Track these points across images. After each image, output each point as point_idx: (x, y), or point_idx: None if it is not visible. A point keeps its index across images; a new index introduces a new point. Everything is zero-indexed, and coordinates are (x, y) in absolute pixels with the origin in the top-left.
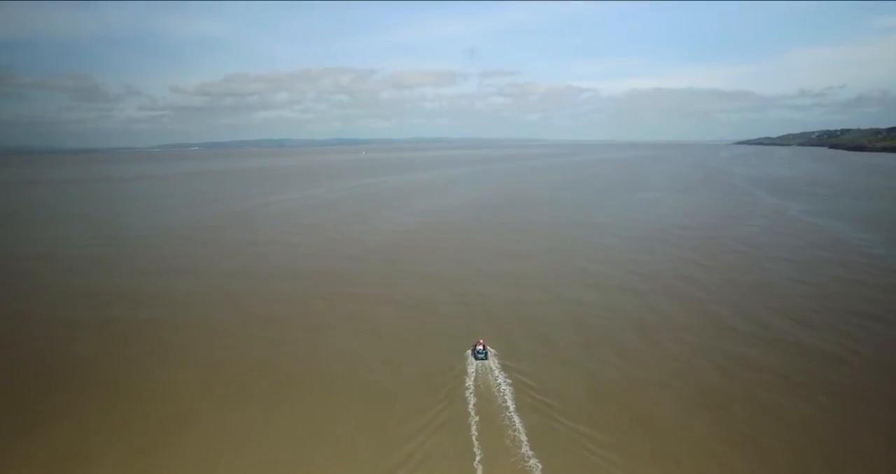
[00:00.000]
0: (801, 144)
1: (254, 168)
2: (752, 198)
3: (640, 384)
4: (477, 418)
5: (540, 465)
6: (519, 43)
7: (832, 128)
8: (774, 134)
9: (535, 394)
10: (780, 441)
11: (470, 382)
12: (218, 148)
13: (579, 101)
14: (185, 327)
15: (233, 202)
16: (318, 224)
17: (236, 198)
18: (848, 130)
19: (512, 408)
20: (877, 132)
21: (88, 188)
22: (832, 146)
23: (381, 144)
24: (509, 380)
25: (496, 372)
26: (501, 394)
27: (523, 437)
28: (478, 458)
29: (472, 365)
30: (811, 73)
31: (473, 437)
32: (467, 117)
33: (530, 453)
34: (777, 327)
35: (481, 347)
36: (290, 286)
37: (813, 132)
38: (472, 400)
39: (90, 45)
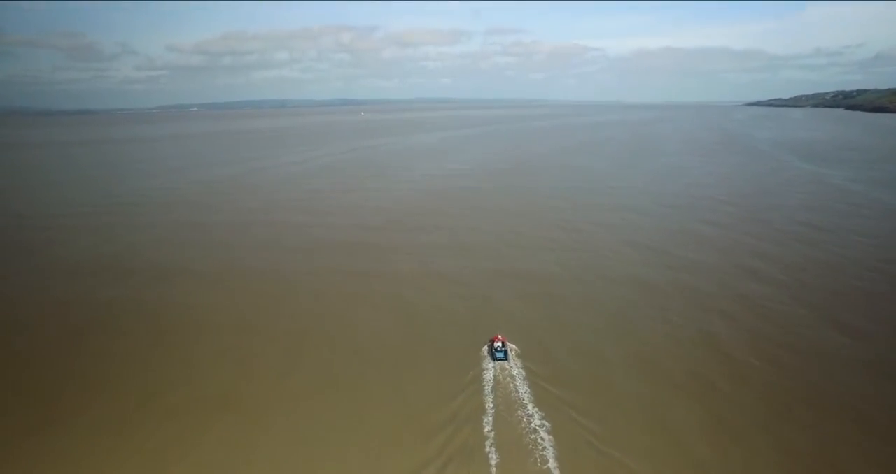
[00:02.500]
0: (815, 106)
1: (252, 129)
2: (784, 165)
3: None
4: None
5: None
6: None
7: (847, 88)
8: (786, 95)
9: (576, 417)
10: None
11: (488, 398)
12: (218, 109)
13: (586, 61)
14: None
15: (226, 167)
16: (315, 191)
17: (231, 162)
18: (864, 91)
19: (550, 455)
20: None
21: (89, 151)
22: (848, 107)
23: (383, 104)
24: (539, 397)
25: (519, 385)
26: (531, 429)
27: None
28: None
29: (490, 368)
30: (828, 31)
31: None
32: (471, 77)
33: None
34: None
35: (500, 344)
36: (281, 259)
37: (827, 93)
38: (490, 442)
39: (82, 2)
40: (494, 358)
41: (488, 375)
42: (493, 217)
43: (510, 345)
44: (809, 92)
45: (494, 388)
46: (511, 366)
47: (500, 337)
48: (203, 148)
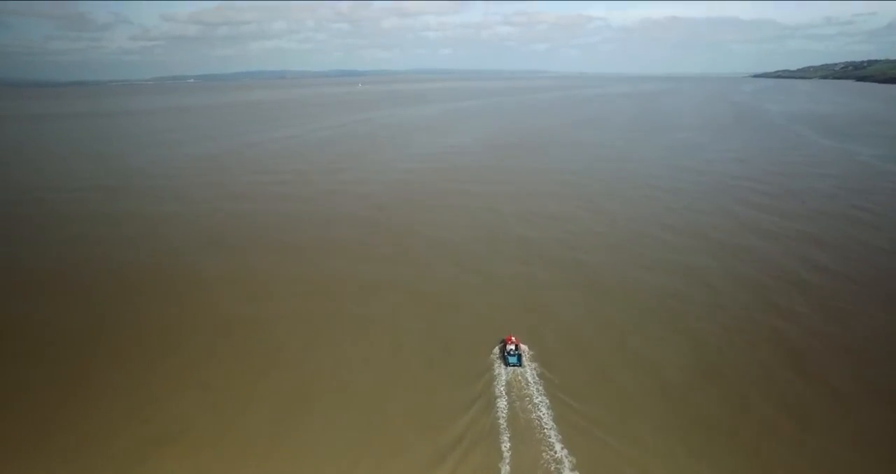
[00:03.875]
0: (823, 77)
1: (249, 102)
2: (804, 140)
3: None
4: None
5: None
6: None
7: (856, 59)
8: (793, 66)
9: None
10: None
11: (500, 418)
12: (215, 80)
13: (588, 31)
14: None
15: (223, 141)
16: (304, 170)
17: (228, 135)
18: (875, 61)
19: None
20: None
21: (86, 124)
22: (859, 79)
23: (383, 76)
24: (560, 416)
25: (537, 400)
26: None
27: None
28: None
29: (502, 376)
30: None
31: None
32: (471, 47)
33: None
34: None
35: (513, 347)
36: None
37: (836, 64)
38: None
39: None
40: (507, 364)
41: (500, 386)
42: (502, 204)
43: (524, 348)
44: (817, 63)
45: (509, 412)
46: (526, 374)
47: (513, 338)
48: (199, 121)
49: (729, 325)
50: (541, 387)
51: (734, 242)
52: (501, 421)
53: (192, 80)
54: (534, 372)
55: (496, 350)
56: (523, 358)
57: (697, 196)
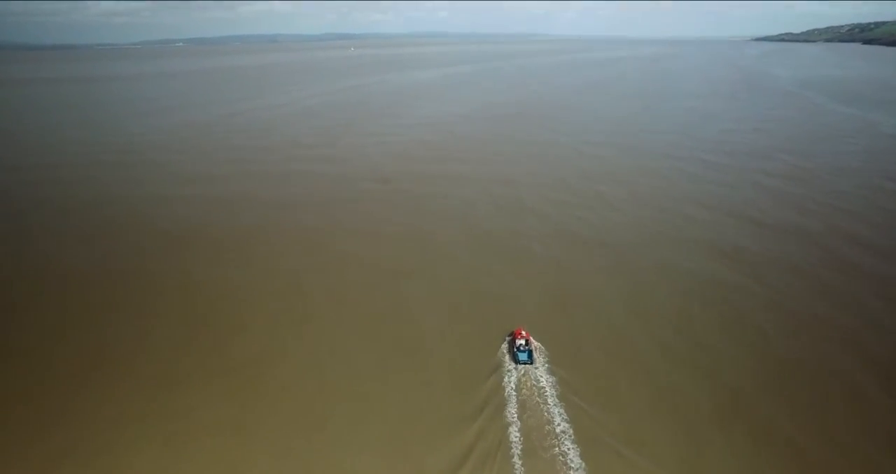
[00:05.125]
0: (828, 40)
1: (238, 67)
2: (821, 108)
3: None
4: None
5: None
6: None
7: (861, 21)
8: (797, 29)
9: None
10: None
11: (511, 429)
12: (204, 44)
13: None
14: None
15: (209, 109)
16: (297, 141)
17: (215, 103)
18: (883, 23)
19: None
20: None
21: (76, 89)
22: (866, 42)
23: (378, 39)
24: (577, 428)
25: (553, 412)
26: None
27: None
28: None
29: (512, 374)
30: None
31: None
32: (469, 9)
33: None
34: None
35: (523, 341)
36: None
37: (841, 26)
38: None
39: None
40: (517, 361)
41: (510, 388)
42: (509, 178)
43: (534, 343)
44: (822, 26)
45: (519, 413)
46: (538, 373)
47: (522, 332)
48: (187, 87)
49: (794, 325)
50: (555, 391)
51: (778, 223)
52: (512, 433)
53: (180, 44)
54: (547, 371)
55: (504, 345)
56: (534, 355)
57: (722, 169)
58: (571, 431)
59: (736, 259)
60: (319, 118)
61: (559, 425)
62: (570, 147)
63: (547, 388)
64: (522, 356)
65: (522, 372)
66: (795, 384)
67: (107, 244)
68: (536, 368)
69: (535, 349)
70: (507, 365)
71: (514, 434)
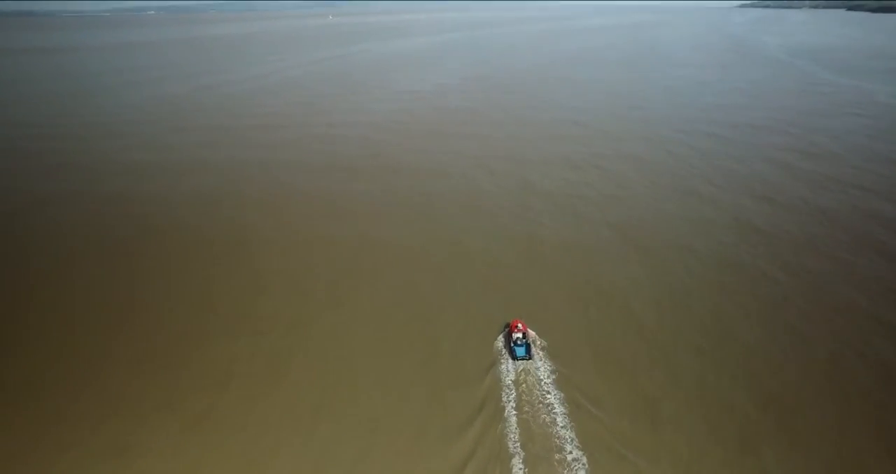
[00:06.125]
0: (814, 7)
1: (214, 37)
2: (815, 78)
3: None
4: None
5: None
6: None
7: None
8: None
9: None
10: None
11: (510, 437)
12: (178, 12)
13: None
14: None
15: (185, 82)
16: (281, 113)
17: (191, 76)
18: None
19: None
20: None
21: (44, 60)
22: (850, 8)
23: (358, 5)
24: (582, 433)
25: (556, 414)
26: None
27: None
28: None
29: (510, 373)
30: None
31: None
32: None
33: None
34: None
35: (520, 335)
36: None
37: None
38: None
39: None
40: (514, 357)
41: (507, 388)
42: (506, 154)
43: (532, 335)
44: None
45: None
46: (538, 370)
47: (520, 325)
48: (159, 59)
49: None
50: (557, 390)
51: (796, 202)
52: (511, 438)
53: (152, 12)
54: (547, 367)
55: (500, 338)
56: (532, 349)
57: (727, 142)
58: (575, 436)
59: (754, 239)
60: (302, 90)
61: (562, 429)
62: (566, 118)
63: (547, 387)
64: (520, 351)
65: (521, 368)
66: (835, 380)
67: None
68: (535, 364)
69: (534, 342)
70: (502, 361)
71: (513, 439)
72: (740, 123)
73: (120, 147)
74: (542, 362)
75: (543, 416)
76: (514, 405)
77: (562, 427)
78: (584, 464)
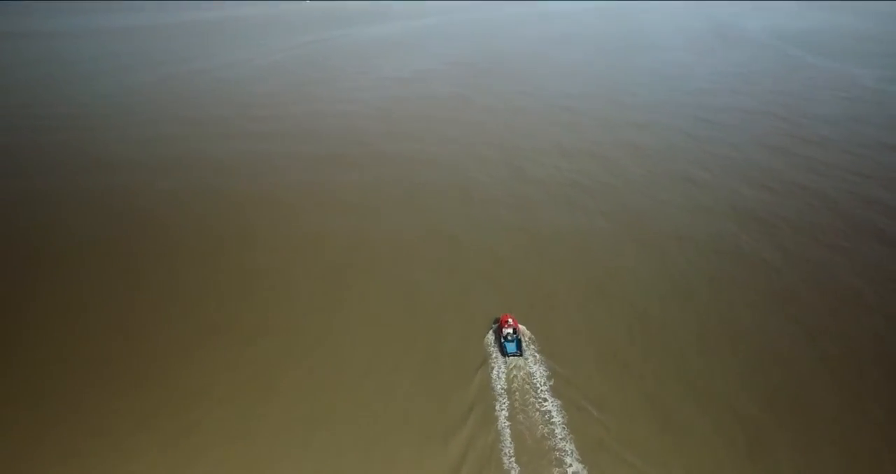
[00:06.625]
0: None
1: (182, 23)
2: (798, 61)
3: None
4: None
5: None
6: None
7: None
8: None
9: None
10: None
11: (502, 439)
12: None
13: None
14: None
15: (157, 70)
16: (262, 103)
17: (162, 63)
18: None
19: None
20: None
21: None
22: None
23: None
24: (576, 431)
25: (549, 412)
26: None
27: None
28: None
29: (501, 370)
30: None
31: None
32: None
33: None
34: None
35: (510, 330)
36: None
37: None
38: None
39: None
40: (505, 353)
41: (499, 387)
42: (494, 140)
43: (522, 329)
44: None
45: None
46: (529, 367)
47: (510, 320)
48: (126, 46)
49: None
50: (549, 387)
51: (793, 189)
52: (503, 444)
53: None
54: (539, 363)
55: (490, 334)
56: (524, 345)
57: (719, 128)
58: (575, 448)
59: (753, 227)
60: (284, 76)
61: (556, 427)
62: (552, 103)
63: (540, 384)
64: (511, 347)
65: (512, 365)
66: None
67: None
68: (527, 359)
69: (525, 337)
70: (493, 358)
71: (507, 440)
72: (731, 108)
73: (90, 140)
74: (536, 366)
75: (540, 427)
76: (506, 402)
77: (561, 439)
78: (578, 459)
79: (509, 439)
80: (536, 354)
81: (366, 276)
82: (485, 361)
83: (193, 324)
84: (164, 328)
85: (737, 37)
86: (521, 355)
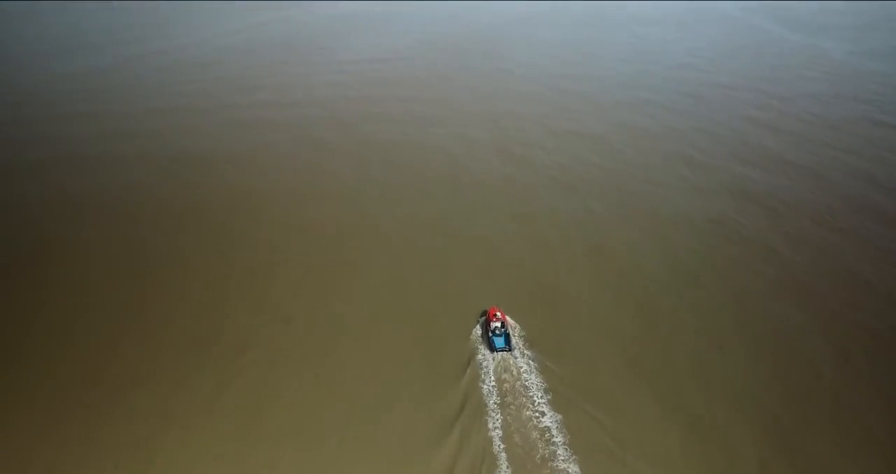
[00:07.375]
0: None
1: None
2: (771, 35)
3: None
4: None
5: None
6: None
7: None
8: None
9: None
10: None
11: (493, 440)
12: None
13: None
14: None
15: (107, 52)
16: (223, 89)
17: (113, 45)
18: None
19: None
20: None
21: None
22: None
23: None
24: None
25: (540, 411)
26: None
27: None
28: None
29: (489, 367)
30: None
31: None
32: None
33: None
34: None
35: (498, 324)
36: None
37: None
38: None
39: None
40: (493, 348)
41: (488, 385)
42: (477, 121)
43: (511, 323)
44: None
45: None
46: (518, 361)
47: (497, 313)
48: (71, 27)
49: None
50: (541, 383)
51: (785, 167)
52: (494, 444)
53: None
54: (528, 357)
55: (477, 328)
56: (513, 340)
57: (704, 104)
58: (563, 434)
59: (751, 210)
60: (250, 57)
61: (548, 426)
62: (535, 81)
63: (529, 381)
64: (499, 342)
65: (500, 359)
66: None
67: None
68: (515, 355)
69: (513, 331)
70: (480, 354)
71: (497, 443)
72: (713, 83)
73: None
74: (522, 351)
75: (533, 433)
76: (496, 400)
77: (560, 444)
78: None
79: (501, 440)
80: (524, 343)
81: (352, 275)
82: (472, 357)
83: (172, 331)
84: (130, 345)
85: (708, 9)
86: (510, 350)
